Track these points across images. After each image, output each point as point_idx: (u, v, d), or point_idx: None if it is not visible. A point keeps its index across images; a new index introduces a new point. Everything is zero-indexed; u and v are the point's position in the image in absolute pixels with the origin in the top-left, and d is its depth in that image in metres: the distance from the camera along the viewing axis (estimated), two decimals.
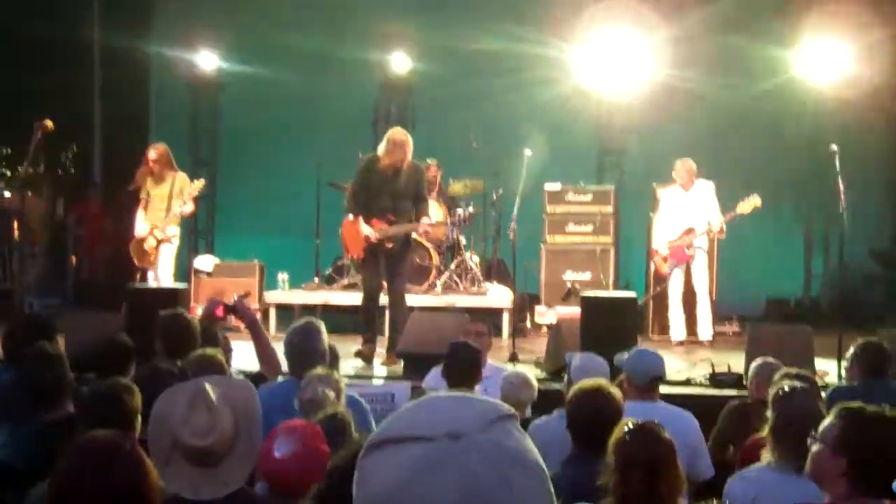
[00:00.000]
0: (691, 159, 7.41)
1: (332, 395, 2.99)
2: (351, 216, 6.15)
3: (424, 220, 6.08)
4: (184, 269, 9.30)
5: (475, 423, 0.78)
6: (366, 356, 5.98)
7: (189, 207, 7.35)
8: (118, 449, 1.95)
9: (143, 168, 7.34)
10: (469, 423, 0.78)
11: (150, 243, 7.22)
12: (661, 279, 7.57)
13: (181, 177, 7.36)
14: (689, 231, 7.26)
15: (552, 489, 0.81)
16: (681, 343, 7.21)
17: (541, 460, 0.81)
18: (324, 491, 1.90)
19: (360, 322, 6.25)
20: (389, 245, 6.02)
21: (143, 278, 7.30)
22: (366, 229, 6.03)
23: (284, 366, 3.74)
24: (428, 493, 0.74)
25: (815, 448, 2.29)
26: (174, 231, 7.32)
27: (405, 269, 6.22)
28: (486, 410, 0.80)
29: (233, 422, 2.06)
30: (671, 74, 9.52)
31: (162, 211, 7.25)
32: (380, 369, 5.96)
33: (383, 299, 6.34)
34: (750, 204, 7.08)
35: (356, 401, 3.48)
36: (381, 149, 6.06)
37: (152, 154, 7.35)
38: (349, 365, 5.69)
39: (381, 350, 6.17)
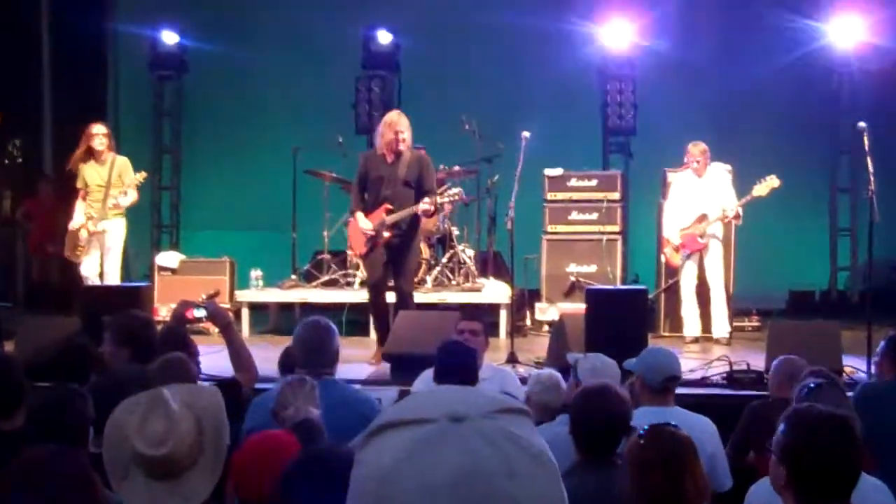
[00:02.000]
0: (703, 142, 7.37)
1: (292, 411, 2.93)
2: (353, 216, 6.32)
3: (422, 203, 6.08)
4: (146, 267, 9.28)
5: (481, 409, 0.78)
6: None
7: (130, 198, 7.09)
8: (62, 466, 1.93)
9: (83, 148, 7.07)
10: (474, 409, 0.78)
11: (83, 235, 7.08)
12: (673, 271, 7.57)
13: (122, 161, 7.15)
14: (702, 218, 7.22)
15: (564, 488, 0.80)
16: (695, 340, 7.22)
17: (553, 458, 0.80)
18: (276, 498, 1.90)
19: (373, 319, 6.45)
20: (387, 234, 6.08)
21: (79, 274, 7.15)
22: (364, 223, 6.13)
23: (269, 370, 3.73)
24: (422, 473, 0.74)
25: (772, 456, 2.28)
26: (114, 226, 7.09)
27: (411, 265, 6.33)
28: (495, 400, 0.80)
29: (195, 430, 2.04)
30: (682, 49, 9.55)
31: (97, 201, 7.08)
32: (365, 373, 5.95)
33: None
34: (767, 186, 7.00)
35: (370, 401, 3.52)
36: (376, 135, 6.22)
37: (101, 129, 7.12)
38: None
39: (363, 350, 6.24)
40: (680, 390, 4.04)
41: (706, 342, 7.23)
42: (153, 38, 10.24)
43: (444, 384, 3.86)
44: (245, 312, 7.83)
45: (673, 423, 2.62)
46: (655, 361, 3.74)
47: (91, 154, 7.06)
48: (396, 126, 6.10)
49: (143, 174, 7.25)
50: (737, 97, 10.08)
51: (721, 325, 7.25)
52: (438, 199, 6.28)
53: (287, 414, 2.93)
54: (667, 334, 7.63)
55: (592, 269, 8.11)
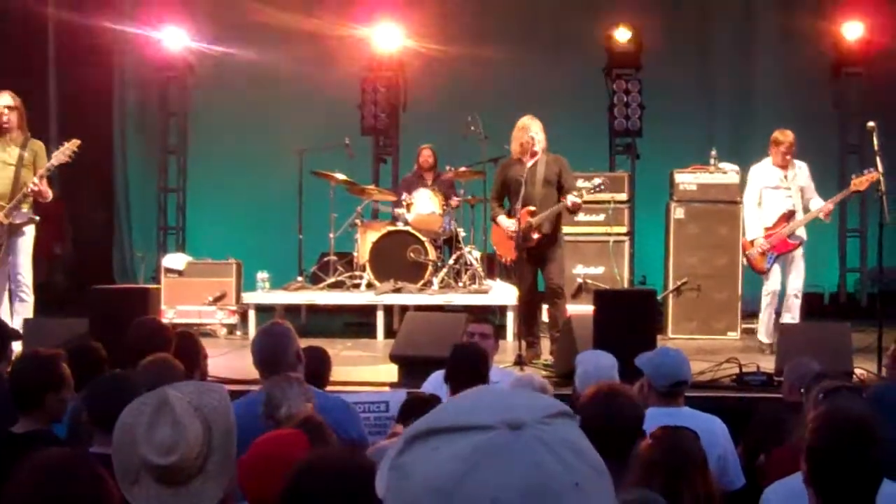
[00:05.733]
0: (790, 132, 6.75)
1: (284, 410, 2.91)
2: (493, 221, 6.55)
3: (569, 196, 6.23)
4: (152, 269, 9.27)
5: (535, 413, 0.77)
6: (524, 362, 6.06)
7: (49, 193, 6.18)
8: (77, 466, 1.93)
9: None
10: (528, 414, 0.76)
11: None
12: (682, 272, 7.46)
13: (38, 145, 6.23)
14: (789, 215, 6.71)
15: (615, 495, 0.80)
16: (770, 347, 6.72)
17: (602, 463, 0.80)
18: (285, 493, 1.88)
19: (520, 326, 6.48)
20: (536, 235, 6.23)
21: None
22: (507, 222, 6.31)
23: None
24: (489, 486, 0.72)
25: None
26: (26, 216, 6.17)
27: (560, 262, 6.44)
28: (546, 404, 0.79)
29: (202, 435, 2.01)
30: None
31: (6, 185, 6.07)
32: (372, 375, 5.93)
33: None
34: (867, 179, 6.39)
35: (346, 406, 3.47)
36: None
37: (7, 100, 6.10)
38: (340, 370, 5.67)
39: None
40: (689, 392, 4.02)
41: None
42: (159, 39, 10.23)
43: (455, 385, 3.85)
44: (252, 314, 7.82)
45: (685, 427, 2.60)
46: (663, 365, 3.70)
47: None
48: (528, 131, 6.33)
49: (76, 141, 6.15)
50: (744, 98, 10.05)
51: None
52: (584, 191, 6.46)
53: (280, 414, 2.91)
54: (674, 336, 7.61)
55: (600, 270, 8.10)
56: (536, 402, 0.79)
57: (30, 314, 6.14)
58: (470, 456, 0.73)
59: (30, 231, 6.20)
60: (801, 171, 6.76)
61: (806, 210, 6.71)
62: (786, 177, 6.72)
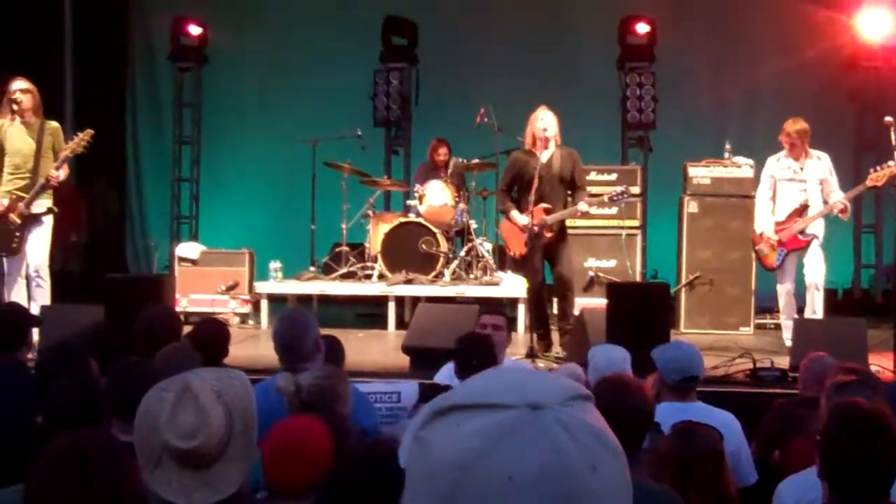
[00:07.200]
0: (803, 122, 6.39)
1: (291, 388, 2.95)
2: (504, 214, 6.47)
3: (582, 203, 6.17)
4: (166, 258, 9.31)
5: (555, 395, 0.78)
6: (536, 354, 6.08)
7: (64, 173, 6.19)
8: (99, 447, 1.95)
9: (7, 109, 6.07)
10: (548, 396, 0.77)
11: (12, 222, 6.04)
12: (695, 265, 7.43)
13: (54, 127, 6.23)
14: (802, 210, 6.38)
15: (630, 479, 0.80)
16: None
17: (620, 447, 0.80)
18: (330, 489, 1.89)
19: (531, 319, 6.46)
20: (549, 234, 6.18)
21: None
22: (521, 218, 6.21)
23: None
24: (507, 463, 0.73)
25: None
26: (44, 205, 6.17)
27: (567, 255, 6.38)
28: (565, 386, 0.80)
29: (224, 420, 2.03)
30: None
31: (24, 175, 6.09)
32: (382, 366, 5.94)
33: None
34: (884, 175, 6.01)
35: (360, 396, 3.48)
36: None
37: (22, 84, 6.10)
38: (352, 361, 5.67)
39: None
40: (702, 387, 4.01)
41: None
42: (174, 30, 10.25)
43: (464, 376, 3.85)
44: (264, 304, 7.85)
45: (709, 425, 2.59)
46: (674, 359, 3.69)
47: (13, 115, 6.07)
48: (540, 119, 6.25)
49: (90, 131, 6.16)
50: (759, 91, 9.99)
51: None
52: (605, 198, 6.42)
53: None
54: (687, 331, 7.59)
55: (612, 263, 8.08)
56: (557, 385, 0.80)
57: (47, 301, 6.17)
58: (490, 433, 0.75)
59: (48, 220, 6.23)
60: (818, 164, 6.40)
61: (826, 205, 6.39)
62: (801, 168, 6.40)
